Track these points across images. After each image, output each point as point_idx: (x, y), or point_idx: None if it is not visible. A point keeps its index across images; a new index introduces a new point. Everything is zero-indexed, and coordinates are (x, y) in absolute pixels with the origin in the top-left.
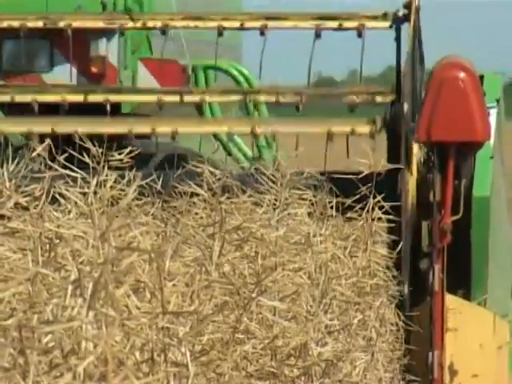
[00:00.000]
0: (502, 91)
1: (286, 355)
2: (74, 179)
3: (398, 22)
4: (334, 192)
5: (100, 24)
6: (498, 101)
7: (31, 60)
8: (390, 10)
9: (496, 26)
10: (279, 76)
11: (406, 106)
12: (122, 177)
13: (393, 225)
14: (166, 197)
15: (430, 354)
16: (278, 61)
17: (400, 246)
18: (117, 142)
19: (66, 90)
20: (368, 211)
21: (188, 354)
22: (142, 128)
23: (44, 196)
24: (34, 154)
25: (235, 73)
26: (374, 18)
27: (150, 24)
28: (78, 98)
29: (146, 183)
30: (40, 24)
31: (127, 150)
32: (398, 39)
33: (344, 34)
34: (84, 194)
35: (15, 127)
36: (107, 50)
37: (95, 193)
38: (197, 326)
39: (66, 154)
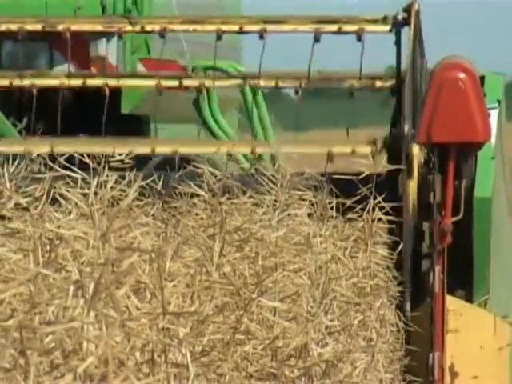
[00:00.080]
0: (503, 92)
1: (286, 356)
2: (75, 180)
3: (397, 25)
4: (334, 193)
5: (99, 28)
6: (499, 101)
7: (30, 61)
8: (391, 11)
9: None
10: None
11: (406, 128)
12: (123, 177)
13: (393, 225)
14: (166, 197)
15: (431, 355)
16: (278, 61)
17: (400, 247)
18: None
19: (64, 74)
20: (368, 212)
21: (188, 354)
22: (142, 149)
23: (44, 197)
24: (35, 154)
25: (235, 73)
26: (374, 21)
27: (149, 28)
28: (77, 82)
29: (147, 184)
30: (38, 27)
31: (127, 151)
32: (398, 43)
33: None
34: (84, 194)
35: (14, 147)
36: (107, 50)
37: (96, 193)
38: (197, 326)
39: (67, 155)
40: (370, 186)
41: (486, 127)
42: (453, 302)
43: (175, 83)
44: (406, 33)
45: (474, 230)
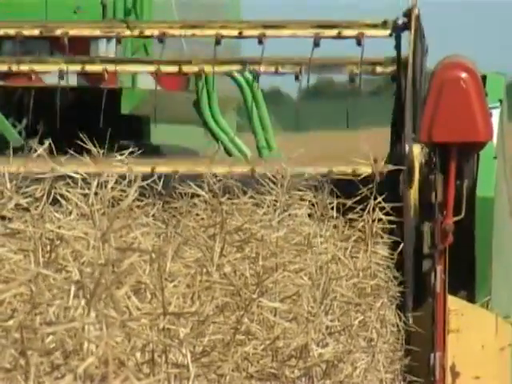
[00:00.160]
0: (505, 92)
1: (286, 356)
2: (75, 180)
3: (397, 30)
4: (334, 193)
5: (97, 32)
6: (500, 101)
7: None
8: (392, 12)
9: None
10: (279, 78)
11: (407, 147)
12: (123, 178)
13: (394, 226)
14: (166, 198)
15: (432, 355)
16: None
17: (401, 247)
18: (118, 143)
19: (63, 60)
20: (369, 212)
21: (189, 355)
22: (142, 168)
23: (45, 197)
24: (35, 154)
25: (235, 74)
26: (374, 26)
27: (148, 32)
28: (76, 67)
29: (147, 184)
30: (36, 32)
31: (128, 151)
32: (398, 47)
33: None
34: (85, 195)
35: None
36: (107, 51)
37: (96, 194)
38: (198, 327)
39: (67, 156)
40: (370, 186)
41: (487, 127)
42: (454, 302)
43: (175, 69)
44: (407, 37)
45: (475, 230)
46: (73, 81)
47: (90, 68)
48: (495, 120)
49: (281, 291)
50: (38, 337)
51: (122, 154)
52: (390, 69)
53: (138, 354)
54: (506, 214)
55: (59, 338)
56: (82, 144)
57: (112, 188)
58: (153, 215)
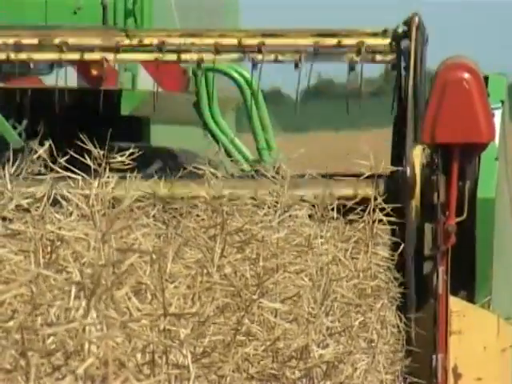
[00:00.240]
0: (507, 92)
1: (287, 357)
2: (76, 181)
3: (398, 39)
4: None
5: (96, 42)
6: (502, 102)
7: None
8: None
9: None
10: (279, 79)
11: (409, 170)
12: (124, 179)
13: (394, 227)
14: (167, 199)
15: (434, 357)
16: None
17: (402, 249)
18: (118, 144)
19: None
20: (369, 213)
21: (189, 355)
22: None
23: (45, 198)
24: (35, 155)
25: (235, 75)
26: (374, 35)
27: (147, 41)
28: (75, 56)
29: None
30: (35, 41)
31: (128, 152)
32: (398, 56)
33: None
34: (85, 195)
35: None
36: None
37: (96, 195)
38: (198, 327)
39: (68, 156)
40: (370, 186)
41: (490, 128)
42: (456, 303)
43: (174, 57)
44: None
45: (476, 231)
46: (73, 82)
47: (88, 56)
48: (497, 121)
49: (281, 292)
50: (39, 338)
51: (122, 156)
52: (390, 57)
53: (139, 355)
54: (508, 215)
55: (60, 338)
56: (82, 145)
57: (112, 189)
58: (153, 216)
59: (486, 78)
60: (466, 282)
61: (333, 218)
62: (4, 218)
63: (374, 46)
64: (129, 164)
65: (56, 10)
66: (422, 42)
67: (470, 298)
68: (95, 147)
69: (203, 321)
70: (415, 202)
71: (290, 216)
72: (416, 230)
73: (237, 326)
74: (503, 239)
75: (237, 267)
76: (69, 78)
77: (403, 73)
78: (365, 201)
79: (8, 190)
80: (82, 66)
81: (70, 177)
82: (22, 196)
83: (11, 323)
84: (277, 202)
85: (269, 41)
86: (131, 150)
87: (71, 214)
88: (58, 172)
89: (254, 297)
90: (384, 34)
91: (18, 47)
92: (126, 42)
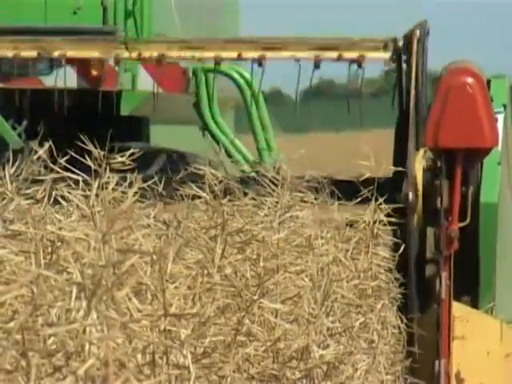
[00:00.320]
0: (509, 95)
1: (287, 357)
2: (76, 181)
3: (398, 52)
4: (335, 194)
5: (95, 54)
6: (504, 106)
7: (32, 64)
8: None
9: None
10: (279, 79)
11: (411, 196)
12: (124, 179)
13: (395, 227)
14: (167, 199)
15: (437, 362)
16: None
17: (403, 250)
18: (118, 144)
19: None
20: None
21: (190, 356)
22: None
23: (46, 198)
24: (36, 156)
25: (236, 76)
26: (375, 48)
27: (146, 54)
28: (77, 53)
29: (148, 185)
30: (34, 53)
31: (129, 153)
32: (399, 69)
33: (345, 34)
34: (86, 196)
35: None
36: None
37: (97, 195)
38: (199, 328)
39: (68, 157)
40: (371, 187)
41: (493, 133)
42: (459, 309)
43: (175, 53)
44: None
45: (479, 236)
46: (72, 83)
47: (89, 54)
48: (500, 125)
49: (282, 293)
50: (40, 338)
51: (122, 156)
52: (389, 53)
53: (139, 356)
54: (510, 220)
55: (60, 339)
56: (82, 145)
57: (113, 189)
58: (154, 216)
59: (488, 82)
60: (470, 287)
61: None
62: (4, 219)
63: (374, 59)
64: (129, 164)
65: (56, 11)
66: (423, 55)
67: (474, 303)
68: (95, 147)
69: (204, 321)
70: (417, 204)
71: (290, 217)
72: (417, 232)
73: (237, 327)
74: (506, 244)
75: (237, 268)
76: (69, 79)
77: (404, 75)
78: (365, 201)
79: (8, 191)
80: (82, 67)
81: (70, 177)
82: (23, 196)
83: (12, 324)
84: (277, 203)
85: (269, 54)
86: (131, 151)
87: (71, 214)
88: (58, 172)
89: (255, 297)
90: (385, 47)
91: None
92: (126, 54)
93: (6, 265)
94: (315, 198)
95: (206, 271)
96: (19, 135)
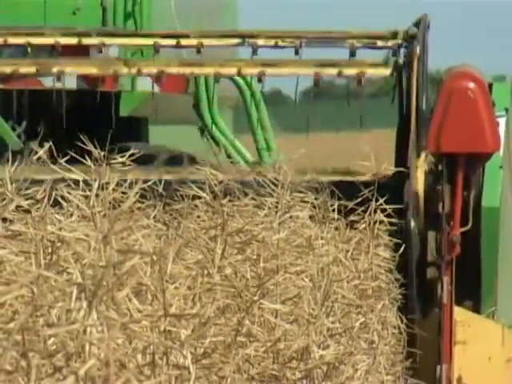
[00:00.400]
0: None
1: (287, 358)
2: (76, 182)
3: (398, 69)
4: (336, 195)
5: (94, 70)
6: (506, 110)
7: None
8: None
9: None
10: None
11: (412, 224)
12: (124, 180)
13: (395, 227)
14: (167, 199)
15: (438, 367)
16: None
17: (403, 250)
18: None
19: (59, 33)
20: (370, 214)
21: (190, 356)
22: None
23: (46, 199)
24: (36, 157)
25: (235, 76)
26: (375, 65)
27: (145, 70)
28: (72, 40)
29: (148, 186)
30: (32, 70)
31: (129, 153)
32: (399, 85)
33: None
34: (86, 196)
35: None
36: (107, 55)
37: (97, 196)
38: (199, 328)
39: (68, 157)
40: (371, 188)
41: (495, 137)
42: (460, 313)
43: (172, 42)
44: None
45: (481, 240)
46: (72, 83)
47: (86, 41)
48: (501, 129)
49: (282, 293)
50: (40, 339)
51: (122, 156)
52: (391, 43)
53: (139, 356)
54: None
55: (61, 340)
56: (82, 146)
57: (113, 190)
58: (154, 217)
59: (490, 86)
60: (471, 292)
61: (334, 218)
62: (4, 219)
63: (374, 75)
64: (129, 165)
65: (55, 11)
66: (424, 71)
67: (476, 308)
68: (95, 148)
69: (204, 322)
70: (418, 206)
71: (290, 217)
72: (418, 235)
73: (237, 327)
74: (508, 248)
75: (237, 268)
76: (68, 80)
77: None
78: (366, 201)
79: (8, 191)
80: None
81: (70, 178)
82: (23, 197)
83: (12, 324)
84: (277, 203)
85: (269, 70)
86: (132, 151)
87: (72, 214)
88: (58, 173)
89: (255, 298)
90: (385, 64)
91: (15, 33)
92: (125, 70)
93: (6, 265)
94: (315, 199)
95: (206, 272)
96: (19, 136)
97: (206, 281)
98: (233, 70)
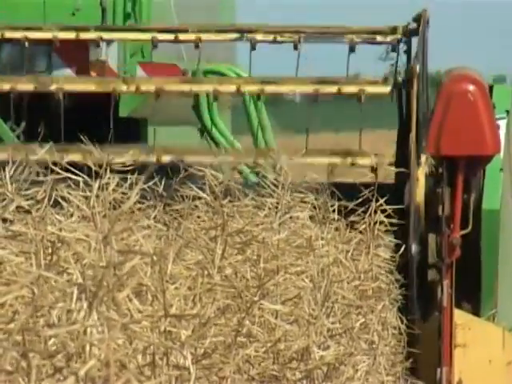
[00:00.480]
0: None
1: (288, 358)
2: (76, 182)
3: (397, 86)
4: (336, 195)
5: (92, 88)
6: (507, 112)
7: (30, 64)
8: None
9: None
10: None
11: (413, 248)
12: (124, 180)
13: (395, 228)
14: (168, 200)
15: (439, 370)
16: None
17: (402, 249)
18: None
19: (57, 27)
20: (370, 215)
21: (190, 357)
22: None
23: (46, 199)
24: (35, 158)
25: (234, 76)
26: (374, 83)
27: (144, 87)
28: (70, 35)
29: (149, 187)
30: (31, 87)
31: (129, 154)
32: (399, 100)
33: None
34: (86, 197)
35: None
36: (107, 54)
37: (97, 196)
38: (199, 329)
39: (68, 158)
40: (371, 188)
41: (495, 140)
42: (461, 316)
43: (171, 37)
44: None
45: (481, 243)
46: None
47: (84, 35)
48: (502, 131)
49: (282, 293)
50: (40, 339)
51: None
52: (390, 38)
53: (140, 357)
54: None
55: (61, 340)
56: (83, 147)
57: (113, 190)
58: (154, 217)
59: (491, 88)
60: (471, 294)
61: (334, 219)
62: (5, 220)
63: (374, 93)
64: (130, 165)
65: (54, 11)
66: (424, 87)
67: (476, 311)
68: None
69: (204, 322)
70: (418, 207)
71: (290, 217)
72: (419, 237)
73: (238, 328)
74: (508, 250)
75: (237, 268)
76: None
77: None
78: (366, 202)
79: (9, 192)
80: (82, 68)
81: (70, 178)
82: (23, 197)
83: (12, 325)
84: (278, 204)
85: (268, 88)
86: (131, 152)
87: (72, 215)
88: (58, 173)
89: (255, 298)
90: (384, 82)
91: (13, 28)
92: (123, 88)
93: (6, 265)
94: (316, 199)
95: (206, 272)
96: (18, 137)
97: (206, 281)
98: (232, 88)
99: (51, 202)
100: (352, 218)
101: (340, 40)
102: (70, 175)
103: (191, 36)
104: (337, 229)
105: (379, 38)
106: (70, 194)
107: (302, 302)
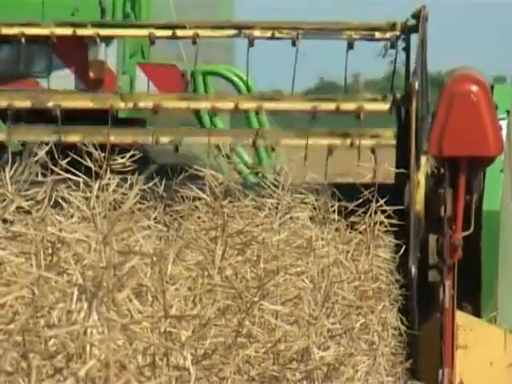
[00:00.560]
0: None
1: (288, 359)
2: (76, 183)
3: (396, 103)
4: (336, 196)
5: (90, 104)
6: (508, 112)
7: (28, 64)
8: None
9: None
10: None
11: (413, 270)
12: (125, 181)
13: (395, 229)
14: (168, 201)
15: (440, 371)
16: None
17: (402, 250)
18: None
19: (54, 23)
20: (370, 215)
21: (190, 357)
22: (145, 138)
23: (46, 200)
24: (36, 158)
25: (234, 78)
26: (373, 100)
27: (142, 104)
28: (67, 31)
29: (149, 187)
30: (28, 104)
31: (129, 154)
32: (398, 116)
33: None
34: (86, 198)
35: (22, 136)
36: (106, 54)
37: (97, 197)
38: (199, 329)
39: (69, 159)
40: (372, 189)
41: (497, 141)
42: (462, 317)
43: (168, 33)
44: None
45: (481, 244)
46: (70, 85)
47: (80, 32)
48: (503, 132)
49: (282, 294)
50: (40, 340)
51: (122, 157)
52: (389, 34)
53: (140, 357)
54: None
55: (61, 341)
56: (83, 147)
57: (113, 191)
58: (154, 218)
59: (492, 88)
60: (472, 295)
61: (334, 219)
62: (5, 220)
63: (373, 111)
64: (129, 166)
65: (53, 11)
66: (423, 104)
67: (476, 312)
68: (96, 149)
69: (204, 323)
70: (419, 208)
71: (290, 218)
72: (419, 238)
73: (238, 328)
74: (508, 251)
75: (238, 269)
76: (67, 80)
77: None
78: (366, 203)
79: (9, 192)
80: (81, 68)
81: (70, 179)
82: (23, 198)
83: (13, 325)
84: (278, 204)
85: (267, 105)
86: (132, 152)
87: (72, 216)
88: (58, 174)
89: (255, 299)
90: (384, 99)
91: (10, 24)
92: (121, 104)
93: (6, 266)
94: (316, 200)
95: (206, 273)
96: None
97: (206, 282)
98: (230, 105)
99: (51, 203)
100: (352, 219)
101: (338, 36)
102: (70, 176)
103: (189, 32)
104: (337, 229)
105: (378, 35)
106: (70, 194)
107: (302, 303)
